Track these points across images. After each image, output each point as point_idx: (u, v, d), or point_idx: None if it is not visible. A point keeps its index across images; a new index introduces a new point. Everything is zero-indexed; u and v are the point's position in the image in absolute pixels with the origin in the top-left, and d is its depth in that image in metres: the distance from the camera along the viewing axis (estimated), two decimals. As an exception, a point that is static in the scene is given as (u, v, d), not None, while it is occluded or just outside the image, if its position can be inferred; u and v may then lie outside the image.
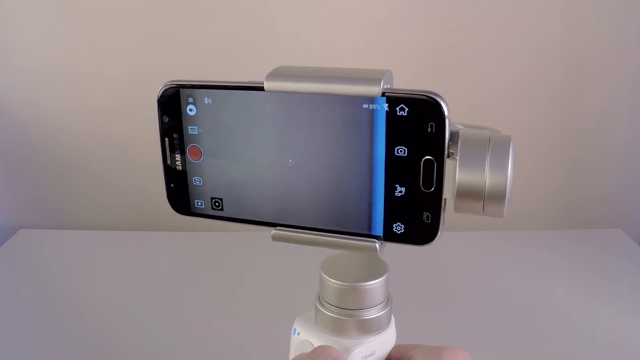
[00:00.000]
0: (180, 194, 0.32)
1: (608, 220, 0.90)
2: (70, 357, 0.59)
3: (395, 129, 0.27)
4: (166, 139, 0.31)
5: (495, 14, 0.80)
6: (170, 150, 0.31)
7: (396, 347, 0.33)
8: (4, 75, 0.84)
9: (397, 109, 0.26)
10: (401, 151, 0.27)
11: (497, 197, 0.26)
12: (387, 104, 0.27)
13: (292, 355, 0.35)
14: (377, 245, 0.29)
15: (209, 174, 0.31)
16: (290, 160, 0.29)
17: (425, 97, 0.26)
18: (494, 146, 0.26)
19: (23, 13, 0.80)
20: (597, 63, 0.82)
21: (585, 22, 0.80)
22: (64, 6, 0.80)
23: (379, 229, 0.29)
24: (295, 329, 0.35)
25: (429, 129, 0.26)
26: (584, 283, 0.71)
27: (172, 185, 0.32)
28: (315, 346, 0.33)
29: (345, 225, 0.29)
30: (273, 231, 0.31)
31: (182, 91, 0.30)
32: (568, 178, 0.89)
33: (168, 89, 0.30)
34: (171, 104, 0.30)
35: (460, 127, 0.27)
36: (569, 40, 0.81)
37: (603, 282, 0.72)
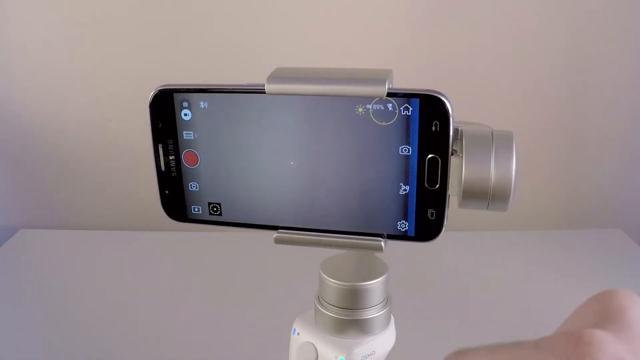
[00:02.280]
0: (175, 200, 0.31)
1: (608, 220, 0.90)
2: (70, 357, 0.59)
3: (400, 129, 0.27)
4: (159, 145, 0.30)
5: (495, 13, 0.79)
6: (164, 156, 0.30)
7: None
8: (4, 75, 0.84)
9: (402, 108, 0.27)
10: (405, 150, 0.27)
11: (502, 192, 0.26)
12: (391, 104, 0.27)
13: (292, 355, 0.35)
14: (382, 243, 0.29)
15: (206, 179, 0.31)
16: (292, 163, 0.29)
17: (429, 96, 0.26)
18: (497, 142, 0.26)
19: (23, 13, 0.80)
20: (598, 63, 0.82)
21: (586, 21, 0.80)
22: (65, 6, 0.80)
23: (383, 228, 0.29)
24: (295, 329, 0.35)
25: (434, 127, 0.26)
26: (584, 283, 0.71)
27: (166, 191, 0.31)
28: (317, 347, 0.33)
29: (350, 225, 0.29)
30: (276, 234, 0.30)
31: (176, 95, 0.29)
32: (568, 178, 0.89)
33: (160, 93, 0.29)
34: (164, 108, 0.30)
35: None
36: (570, 40, 0.81)
37: (603, 282, 0.72)
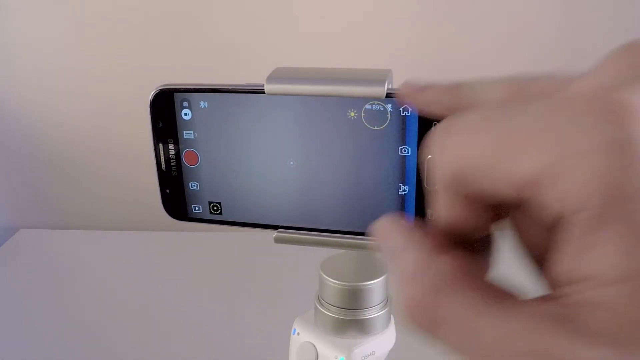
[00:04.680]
0: (176, 199, 0.31)
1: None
2: (70, 357, 0.59)
3: (399, 129, 0.27)
4: (160, 144, 0.30)
5: (495, 13, 0.80)
6: (164, 155, 0.31)
7: None
8: (4, 74, 0.84)
9: (401, 109, 0.27)
10: (405, 150, 0.27)
11: None
12: (390, 104, 0.27)
13: (292, 355, 0.35)
14: None
15: (206, 179, 0.31)
16: (291, 162, 0.29)
17: None
18: None
19: (24, 11, 0.80)
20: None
21: (586, 20, 0.80)
22: (64, 7, 0.80)
23: None
24: (295, 329, 0.35)
25: (434, 127, 0.26)
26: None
27: (167, 191, 0.31)
28: (317, 347, 0.33)
29: (349, 225, 0.29)
30: (275, 233, 0.30)
31: (176, 95, 0.29)
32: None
33: (161, 93, 0.29)
34: (164, 108, 0.30)
35: None
36: (569, 39, 0.81)
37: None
